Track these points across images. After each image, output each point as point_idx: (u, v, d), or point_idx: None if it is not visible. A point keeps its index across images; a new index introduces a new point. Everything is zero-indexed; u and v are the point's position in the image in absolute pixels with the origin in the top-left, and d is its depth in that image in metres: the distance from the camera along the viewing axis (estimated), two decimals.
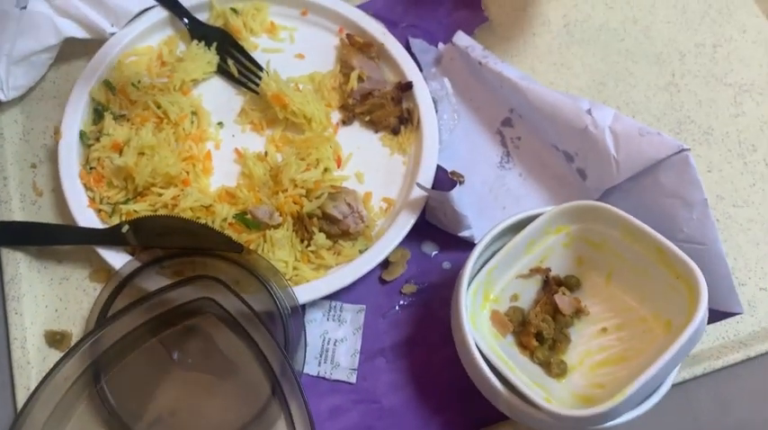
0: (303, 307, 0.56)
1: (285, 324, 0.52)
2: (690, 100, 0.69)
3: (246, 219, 0.56)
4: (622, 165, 0.55)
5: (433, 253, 0.60)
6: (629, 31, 0.73)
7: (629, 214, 0.50)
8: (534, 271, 0.53)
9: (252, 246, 0.56)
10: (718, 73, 0.72)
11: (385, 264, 0.59)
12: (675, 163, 0.53)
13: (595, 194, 0.58)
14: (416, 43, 0.69)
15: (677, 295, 0.47)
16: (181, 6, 0.67)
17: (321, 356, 0.55)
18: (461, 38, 0.67)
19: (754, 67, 0.72)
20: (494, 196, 0.62)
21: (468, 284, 0.50)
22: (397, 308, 0.58)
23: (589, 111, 0.57)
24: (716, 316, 0.54)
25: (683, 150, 0.53)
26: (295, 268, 0.56)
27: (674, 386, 0.50)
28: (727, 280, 0.54)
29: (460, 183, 0.62)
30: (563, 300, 0.51)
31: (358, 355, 0.55)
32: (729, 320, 0.57)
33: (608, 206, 0.49)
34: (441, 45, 0.69)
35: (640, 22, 0.74)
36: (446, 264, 0.60)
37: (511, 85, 0.62)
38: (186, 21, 0.66)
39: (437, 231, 0.60)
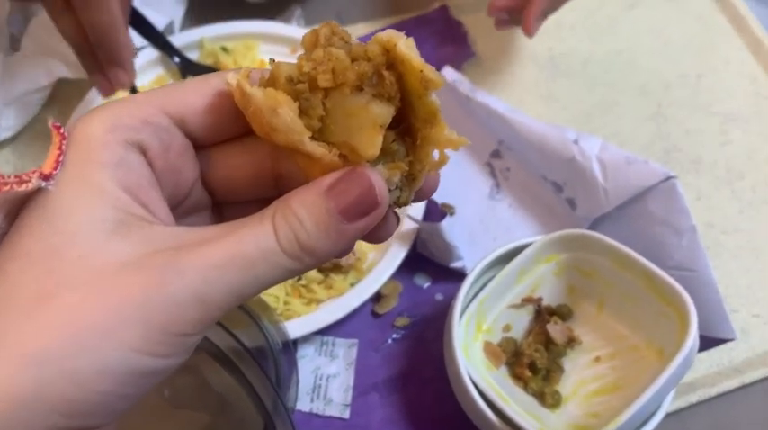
0: (295, 342, 0.56)
1: (276, 360, 0.52)
2: (677, 129, 0.70)
3: None
4: (611, 194, 0.56)
5: (426, 285, 0.60)
6: (614, 62, 0.74)
7: (618, 242, 0.50)
8: (526, 300, 0.53)
9: None
10: (704, 103, 0.73)
11: (377, 297, 0.58)
12: (663, 190, 0.54)
13: (585, 224, 0.59)
14: None
15: (668, 322, 0.47)
16: (172, 46, 0.68)
17: (314, 392, 0.55)
18: (449, 72, 0.68)
19: (739, 97, 0.73)
20: (484, 227, 0.62)
21: (461, 315, 0.50)
22: (390, 341, 0.57)
23: (576, 141, 0.58)
24: (709, 342, 0.54)
25: (670, 178, 0.54)
26: (286, 303, 0.55)
27: (669, 415, 0.50)
28: (719, 306, 0.54)
29: (450, 214, 0.62)
30: (555, 329, 0.51)
31: (351, 390, 0.55)
32: (723, 347, 0.57)
33: (596, 234, 0.50)
34: None
35: (625, 54, 0.75)
36: (439, 296, 0.59)
37: (498, 117, 0.63)
38: (177, 59, 0.67)
39: (429, 263, 0.60)
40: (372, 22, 0.75)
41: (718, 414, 0.56)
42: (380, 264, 0.57)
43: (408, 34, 0.80)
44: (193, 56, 0.69)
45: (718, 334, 0.55)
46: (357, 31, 0.73)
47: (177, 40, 0.68)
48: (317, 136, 0.24)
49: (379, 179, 0.24)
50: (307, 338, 0.56)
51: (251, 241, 0.23)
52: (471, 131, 0.67)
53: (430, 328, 0.58)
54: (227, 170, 0.28)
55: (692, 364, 0.56)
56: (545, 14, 0.62)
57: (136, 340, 0.22)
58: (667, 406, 0.47)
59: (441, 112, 0.25)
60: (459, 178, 0.65)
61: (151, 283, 0.22)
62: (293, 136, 0.23)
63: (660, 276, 0.47)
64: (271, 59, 0.25)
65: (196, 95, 0.26)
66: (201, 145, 0.27)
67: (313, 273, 0.56)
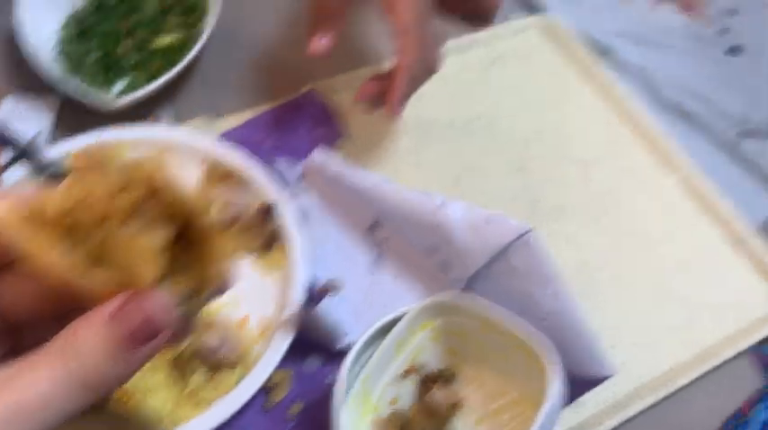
0: None
1: None
2: (540, 180, 0.75)
3: None
4: (476, 254, 0.58)
5: (317, 367, 0.60)
6: (476, 124, 0.78)
7: (483, 301, 0.52)
8: (408, 371, 0.54)
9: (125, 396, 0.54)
10: (564, 152, 0.78)
11: (268, 387, 0.58)
12: (522, 245, 0.57)
13: (459, 285, 0.61)
14: (281, 161, 0.71)
15: (537, 374, 0.49)
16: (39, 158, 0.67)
17: None
18: (319, 154, 0.70)
19: (594, 142, 0.79)
20: (369, 302, 0.64)
21: (345, 396, 0.50)
22: None
23: (441, 206, 0.61)
24: (590, 383, 0.56)
25: (527, 232, 0.57)
26: (173, 411, 0.54)
27: None
28: (593, 346, 0.56)
29: (335, 291, 0.63)
30: (436, 397, 0.52)
31: None
32: (606, 385, 0.59)
33: (458, 299, 0.52)
34: (305, 161, 0.72)
35: (486, 115, 0.79)
36: (330, 378, 0.60)
37: (369, 190, 0.65)
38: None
39: (320, 344, 0.61)
40: (247, 111, 0.76)
41: None
42: (266, 355, 0.57)
43: (286, 119, 0.81)
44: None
45: (597, 373, 0.57)
46: (231, 122, 0.75)
47: (46, 153, 0.68)
48: (95, 263, 0.24)
49: (162, 301, 0.24)
50: None
51: (36, 387, 0.23)
52: (349, 207, 0.69)
53: (324, 411, 0.58)
54: (10, 298, 0.27)
55: (579, 407, 0.59)
56: (407, 97, 0.64)
57: None
58: None
59: (215, 227, 0.26)
60: (341, 255, 0.66)
61: None
62: (64, 275, 0.23)
63: (519, 331, 0.49)
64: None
65: None
66: None
67: (196, 376, 0.55)
